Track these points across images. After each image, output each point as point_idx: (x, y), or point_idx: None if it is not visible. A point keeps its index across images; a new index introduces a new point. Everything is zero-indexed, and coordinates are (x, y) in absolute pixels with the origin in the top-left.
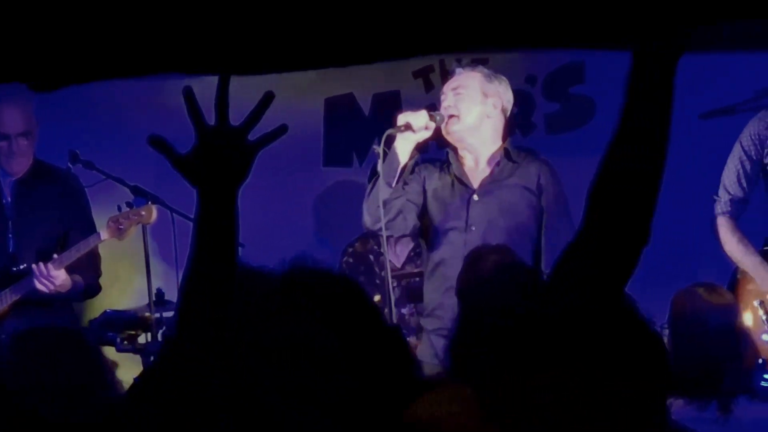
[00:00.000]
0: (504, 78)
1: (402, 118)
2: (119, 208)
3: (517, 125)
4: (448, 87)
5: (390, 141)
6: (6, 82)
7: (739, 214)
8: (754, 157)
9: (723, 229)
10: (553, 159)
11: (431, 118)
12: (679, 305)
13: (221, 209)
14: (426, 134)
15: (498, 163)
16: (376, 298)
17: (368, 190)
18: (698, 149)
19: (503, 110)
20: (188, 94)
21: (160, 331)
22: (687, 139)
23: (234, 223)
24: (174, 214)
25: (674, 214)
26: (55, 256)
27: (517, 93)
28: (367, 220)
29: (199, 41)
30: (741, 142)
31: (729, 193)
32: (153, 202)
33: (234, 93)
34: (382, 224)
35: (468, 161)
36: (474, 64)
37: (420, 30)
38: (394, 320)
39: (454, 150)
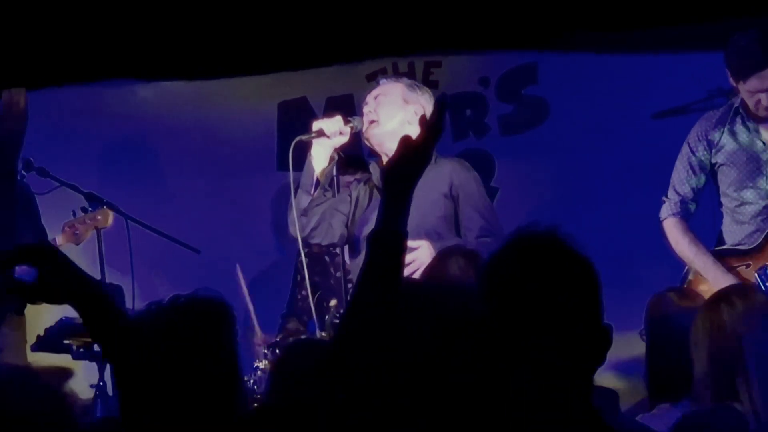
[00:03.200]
0: (427, 89)
1: (316, 125)
2: (74, 213)
3: (471, 127)
4: (370, 96)
5: (301, 148)
6: None
7: (689, 214)
8: (702, 158)
9: (673, 230)
10: (509, 160)
11: (346, 122)
12: (653, 311)
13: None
14: (342, 139)
15: None
16: (333, 302)
17: (291, 201)
18: (651, 149)
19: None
20: None
21: None
22: (640, 138)
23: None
24: (128, 220)
25: (628, 213)
26: None
27: (470, 95)
28: (291, 229)
29: (149, 47)
30: (689, 143)
31: (678, 194)
32: (108, 207)
33: (188, 97)
34: (297, 232)
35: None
36: (398, 76)
37: (373, 33)
38: None
39: (377, 157)
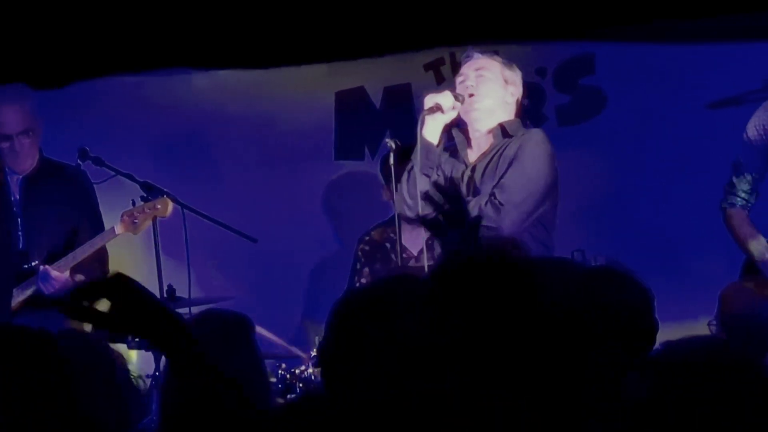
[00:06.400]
0: (518, 70)
1: (429, 100)
2: (133, 203)
3: (528, 117)
4: (469, 68)
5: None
6: (9, 82)
7: (748, 204)
8: (761, 147)
9: (732, 219)
10: (566, 151)
11: (456, 98)
12: (729, 301)
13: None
14: (453, 114)
15: (494, 142)
16: None
17: (405, 178)
18: (707, 139)
19: (517, 102)
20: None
21: None
22: (696, 128)
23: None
24: (185, 209)
25: (685, 204)
26: (62, 260)
27: (527, 85)
28: (400, 206)
29: (207, 35)
30: (747, 133)
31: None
32: (167, 197)
33: (244, 86)
34: (418, 209)
35: (475, 145)
36: (491, 51)
37: (430, 22)
38: None
39: (464, 134)
